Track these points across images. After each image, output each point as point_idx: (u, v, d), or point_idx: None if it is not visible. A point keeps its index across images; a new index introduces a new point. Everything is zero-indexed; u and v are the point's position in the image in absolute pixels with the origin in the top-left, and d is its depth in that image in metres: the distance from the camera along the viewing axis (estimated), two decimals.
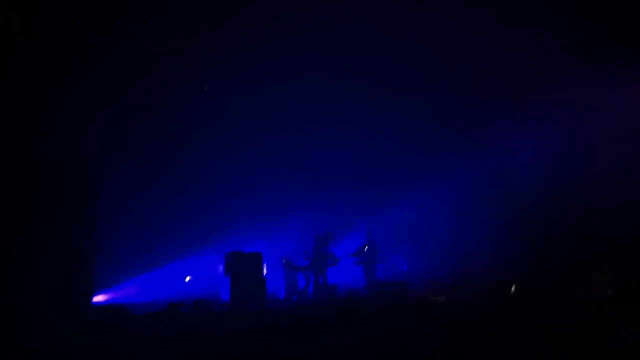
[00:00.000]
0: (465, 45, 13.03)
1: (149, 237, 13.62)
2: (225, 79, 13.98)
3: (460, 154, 13.97)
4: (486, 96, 13.52)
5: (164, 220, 13.86)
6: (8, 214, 10.09)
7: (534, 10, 12.40)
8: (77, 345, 6.34)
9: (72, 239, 10.37)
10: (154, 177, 14.01)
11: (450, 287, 11.12)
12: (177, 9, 12.46)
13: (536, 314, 7.86)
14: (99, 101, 12.52)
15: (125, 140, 13.46)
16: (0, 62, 10.87)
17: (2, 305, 8.75)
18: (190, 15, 12.75)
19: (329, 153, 14.81)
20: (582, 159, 12.35)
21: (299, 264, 13.58)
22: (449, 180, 14.03)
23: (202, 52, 13.21)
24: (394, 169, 14.83)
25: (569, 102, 12.61)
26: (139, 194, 13.62)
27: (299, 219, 14.61)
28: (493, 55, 13.06)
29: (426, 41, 13.02)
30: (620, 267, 9.87)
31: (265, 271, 11.75)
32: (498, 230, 13.02)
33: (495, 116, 13.46)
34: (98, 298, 12.72)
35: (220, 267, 12.41)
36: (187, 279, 14.54)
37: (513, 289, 10.33)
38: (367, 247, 13.43)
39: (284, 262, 13.58)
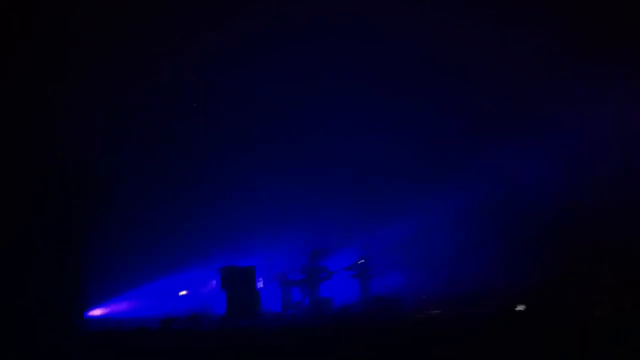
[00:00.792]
0: (465, 45, 13.01)
1: (143, 251, 13.55)
2: (224, 81, 13.93)
3: (460, 158, 13.95)
4: (486, 97, 13.50)
5: (159, 233, 13.78)
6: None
7: (534, 10, 12.39)
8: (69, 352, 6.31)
9: (62, 253, 10.26)
10: (148, 189, 13.93)
11: (446, 301, 11.09)
12: (177, 8, 12.45)
13: (536, 317, 7.84)
14: (89, 107, 12.45)
15: (120, 153, 13.35)
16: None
17: None
18: (190, 15, 12.75)
19: (327, 166, 14.73)
20: (582, 159, 12.34)
21: (293, 278, 13.60)
22: (449, 189, 13.95)
23: (202, 52, 13.18)
24: (393, 180, 14.75)
25: (569, 102, 12.60)
26: (133, 205, 13.57)
27: (294, 232, 14.58)
28: (493, 55, 13.05)
29: (426, 41, 13.01)
30: (620, 268, 9.87)
31: (260, 285, 11.71)
32: (498, 239, 13.01)
33: (495, 118, 13.45)
34: (92, 312, 12.70)
35: (215, 281, 12.40)
36: (182, 293, 14.52)
37: (520, 308, 10.17)
38: (362, 261, 13.49)
39: (279, 276, 13.58)
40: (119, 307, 13.76)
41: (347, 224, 14.56)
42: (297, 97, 14.11)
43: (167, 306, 13.70)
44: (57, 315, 9.03)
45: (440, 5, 12.66)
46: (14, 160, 10.45)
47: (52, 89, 11.45)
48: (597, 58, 12.10)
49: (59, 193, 10.50)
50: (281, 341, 7.93)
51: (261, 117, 14.37)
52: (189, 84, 13.82)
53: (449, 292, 12.09)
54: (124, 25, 12.12)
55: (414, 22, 12.82)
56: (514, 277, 11.77)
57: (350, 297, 13.47)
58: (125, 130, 13.40)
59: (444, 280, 13.13)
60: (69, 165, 10.70)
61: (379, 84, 13.91)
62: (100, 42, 12.06)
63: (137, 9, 11.93)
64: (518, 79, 13.20)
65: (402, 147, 14.55)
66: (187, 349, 7.45)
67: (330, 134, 14.56)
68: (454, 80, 13.62)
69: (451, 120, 14.03)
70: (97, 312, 13.15)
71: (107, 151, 12.73)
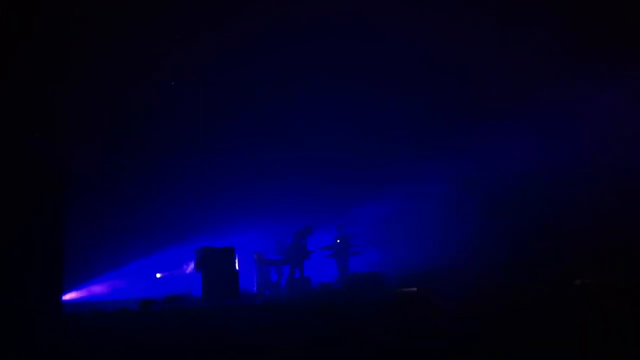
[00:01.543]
0: (465, 45, 13.01)
1: (119, 233, 13.48)
2: (221, 78, 13.92)
3: (454, 154, 13.98)
4: (485, 96, 13.51)
5: (134, 215, 13.71)
6: None
7: (534, 10, 12.39)
8: (49, 344, 6.30)
9: (38, 235, 9.93)
10: (123, 173, 13.85)
11: (424, 279, 11.00)
12: (177, 8, 12.46)
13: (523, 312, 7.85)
14: (74, 95, 12.34)
15: (94, 134, 13.27)
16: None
17: None
18: (190, 15, 12.76)
19: (309, 147, 14.74)
20: (582, 159, 12.33)
21: (270, 257, 13.59)
22: (432, 165, 13.98)
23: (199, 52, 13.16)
24: (382, 166, 14.78)
25: (569, 102, 12.60)
26: (108, 189, 13.51)
27: (271, 212, 14.57)
28: (493, 55, 13.05)
29: (426, 41, 13.01)
30: (619, 268, 9.86)
31: (237, 266, 11.59)
32: (486, 227, 13.03)
33: (494, 116, 13.45)
34: (68, 296, 12.57)
35: (191, 263, 12.27)
36: (158, 275, 14.43)
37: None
38: (339, 240, 13.51)
39: (255, 256, 13.54)
40: (95, 290, 13.66)
41: (326, 202, 14.61)
42: (286, 93, 14.08)
43: (143, 289, 13.59)
44: (26, 311, 8.83)
45: (440, 6, 12.66)
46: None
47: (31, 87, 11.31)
48: (597, 58, 12.11)
49: (25, 187, 10.02)
50: (264, 320, 7.92)
51: (238, 96, 14.31)
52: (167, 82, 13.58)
53: (428, 268, 12.05)
54: (124, 25, 12.14)
55: (414, 22, 12.82)
56: (495, 254, 11.82)
57: (326, 276, 13.49)
58: (101, 118, 13.30)
59: (422, 256, 13.10)
60: (38, 159, 10.29)
61: (362, 68, 13.85)
62: (100, 42, 12.08)
63: (136, 9, 11.94)
64: (518, 79, 13.22)
65: (394, 144, 14.60)
66: (170, 330, 7.43)
67: (309, 112, 14.55)
68: (453, 79, 13.63)
69: (449, 119, 14.06)
70: (72, 295, 13.01)
71: (81, 138, 12.60)
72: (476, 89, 13.48)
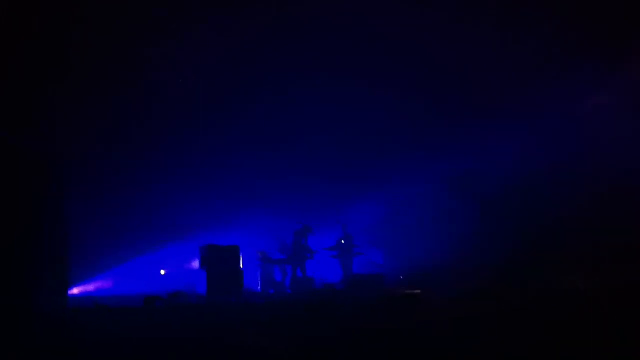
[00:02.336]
0: (464, 45, 13.00)
1: (124, 230, 13.53)
2: (221, 78, 13.91)
3: (454, 154, 13.99)
4: (485, 96, 13.51)
5: (139, 212, 13.77)
6: None
7: (534, 10, 12.38)
8: (55, 340, 6.31)
9: (45, 232, 9.91)
10: (128, 170, 13.89)
11: (427, 280, 11.04)
12: (177, 9, 12.45)
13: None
14: (75, 95, 12.33)
15: (98, 133, 13.26)
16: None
17: None
18: (190, 15, 12.74)
19: (311, 146, 14.73)
20: (581, 159, 12.34)
21: (275, 256, 13.59)
22: (435, 178, 14.00)
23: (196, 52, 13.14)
24: (382, 167, 14.78)
25: (568, 101, 12.61)
26: (113, 186, 13.53)
27: (275, 212, 14.58)
28: (492, 54, 13.04)
29: (426, 41, 13.01)
30: (618, 268, 9.86)
31: (241, 264, 11.63)
32: (485, 226, 13.05)
33: (494, 116, 13.46)
34: (73, 291, 12.61)
35: (196, 260, 12.28)
36: (163, 272, 14.46)
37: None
38: (343, 240, 13.51)
39: (260, 255, 13.54)
40: (100, 285, 13.71)
41: (327, 202, 14.63)
42: (279, 79, 14.05)
43: (147, 285, 13.63)
44: (33, 308, 8.85)
45: (440, 6, 12.63)
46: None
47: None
48: (597, 58, 12.10)
49: (30, 186, 9.92)
50: (264, 320, 7.92)
51: (241, 95, 14.30)
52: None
53: (432, 271, 12.07)
54: (124, 25, 12.13)
55: (414, 22, 12.80)
56: (491, 253, 11.84)
57: (330, 277, 13.50)
58: (103, 116, 13.29)
59: (426, 260, 13.12)
60: (40, 158, 10.23)
61: (362, 68, 13.83)
62: (100, 42, 12.07)
63: (136, 9, 11.93)
64: (518, 79, 13.21)
65: (391, 143, 14.60)
66: (174, 327, 7.43)
67: (310, 112, 14.54)
68: (453, 79, 13.63)
69: (448, 118, 14.06)
70: (76, 290, 13.06)
71: (84, 137, 12.62)
72: (476, 89, 13.48)
